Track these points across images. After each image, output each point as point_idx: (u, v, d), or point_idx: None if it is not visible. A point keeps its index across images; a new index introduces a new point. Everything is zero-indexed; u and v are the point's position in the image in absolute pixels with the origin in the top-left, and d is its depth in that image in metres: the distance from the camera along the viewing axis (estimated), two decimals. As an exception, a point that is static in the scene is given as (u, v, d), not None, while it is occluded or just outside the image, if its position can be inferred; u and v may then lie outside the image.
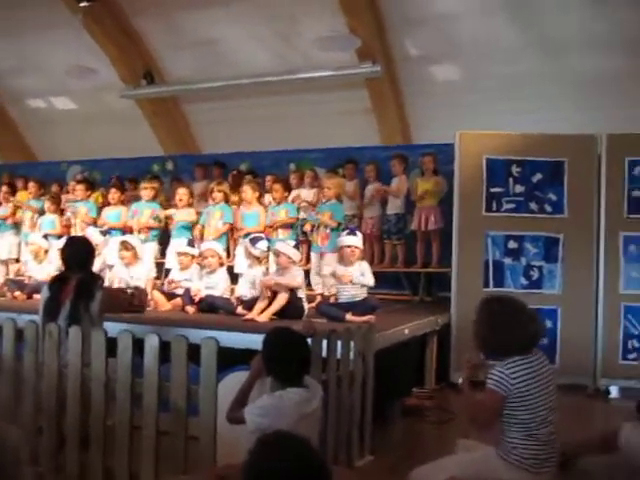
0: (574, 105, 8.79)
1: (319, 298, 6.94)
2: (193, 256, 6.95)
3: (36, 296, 6.77)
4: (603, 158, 6.97)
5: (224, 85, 10.61)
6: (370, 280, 6.05)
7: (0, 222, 9.57)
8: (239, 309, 6.15)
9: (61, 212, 9.45)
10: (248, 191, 8.09)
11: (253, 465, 1.85)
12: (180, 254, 7.06)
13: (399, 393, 5.98)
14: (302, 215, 8.36)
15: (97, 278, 4.79)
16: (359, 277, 5.99)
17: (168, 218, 8.56)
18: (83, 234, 7.90)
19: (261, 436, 1.95)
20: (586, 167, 7.02)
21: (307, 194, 8.88)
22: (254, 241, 6.53)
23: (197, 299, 6.45)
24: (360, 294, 6.04)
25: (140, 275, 6.95)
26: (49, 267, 7.43)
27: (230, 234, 8.38)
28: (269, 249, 6.53)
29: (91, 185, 9.57)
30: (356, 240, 6.17)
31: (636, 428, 3.37)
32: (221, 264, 6.73)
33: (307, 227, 8.11)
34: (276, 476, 1.80)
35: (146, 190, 8.52)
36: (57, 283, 4.68)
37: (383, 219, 8.72)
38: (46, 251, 7.80)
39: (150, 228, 8.26)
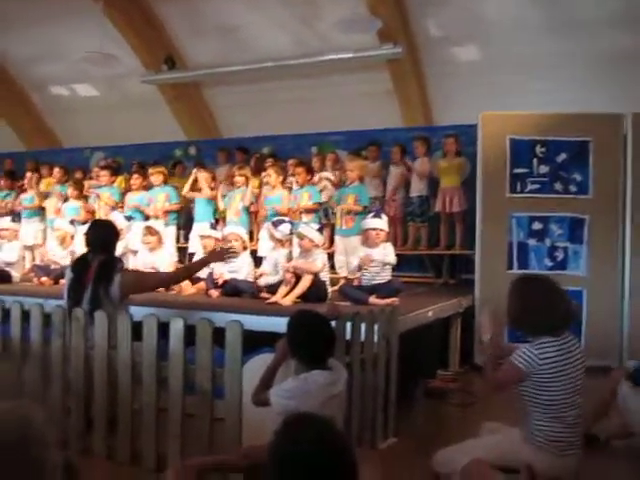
0: (599, 84, 8.66)
1: (343, 281, 6.94)
2: (216, 239, 6.98)
3: (62, 281, 6.84)
4: (629, 137, 6.87)
5: (245, 69, 10.59)
6: (392, 258, 6.04)
7: (26, 209, 9.66)
8: (263, 292, 6.17)
9: (85, 198, 9.53)
10: (272, 174, 8.13)
11: (279, 446, 1.86)
12: (203, 237, 7.10)
13: (423, 375, 5.98)
14: (324, 199, 8.34)
15: (117, 261, 4.78)
16: (381, 254, 5.98)
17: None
18: (107, 218, 7.96)
19: (286, 417, 1.96)
20: (612, 147, 6.92)
21: (329, 176, 8.88)
22: (277, 224, 6.54)
23: (220, 282, 6.48)
24: (384, 276, 6.03)
25: (163, 260, 7.02)
26: (75, 253, 7.51)
27: (254, 217, 8.41)
28: (292, 232, 6.53)
29: (115, 171, 9.65)
30: (381, 223, 6.15)
31: (632, 389, 3.37)
32: (244, 248, 6.75)
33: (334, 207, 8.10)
34: (301, 457, 1.81)
35: (154, 176, 8.58)
36: (80, 265, 4.70)
37: (406, 201, 8.69)
38: (72, 237, 7.87)
39: (167, 212, 8.32)
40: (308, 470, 1.79)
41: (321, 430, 1.88)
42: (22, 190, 10.20)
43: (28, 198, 9.73)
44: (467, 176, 8.13)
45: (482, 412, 4.70)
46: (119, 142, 12.01)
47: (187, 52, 11.25)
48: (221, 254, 5.20)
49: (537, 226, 6.99)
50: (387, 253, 6.05)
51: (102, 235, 4.78)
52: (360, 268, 6.08)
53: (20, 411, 1.97)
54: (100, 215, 8.76)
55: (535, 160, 7.01)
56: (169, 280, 5.18)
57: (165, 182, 8.67)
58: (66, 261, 7.34)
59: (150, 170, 8.83)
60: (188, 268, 4.99)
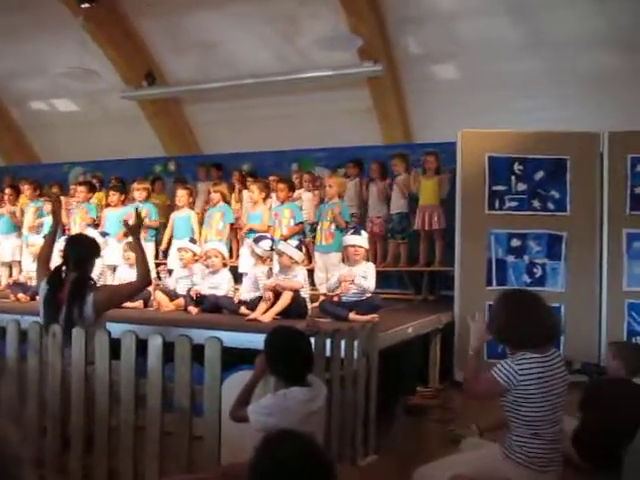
0: (576, 103, 8.78)
1: (322, 297, 6.94)
2: (194, 253, 6.94)
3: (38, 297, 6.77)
4: (605, 156, 6.96)
5: (225, 86, 10.62)
6: (371, 284, 6.01)
7: (3, 225, 9.56)
8: (242, 309, 6.15)
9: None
10: (255, 191, 8.10)
11: (259, 462, 1.85)
12: (180, 249, 7.07)
13: (403, 392, 5.98)
14: (305, 217, 8.35)
15: (89, 279, 4.61)
16: (360, 279, 5.97)
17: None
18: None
19: (267, 434, 1.96)
20: (588, 165, 7.01)
21: (307, 196, 8.88)
22: (257, 240, 6.53)
23: (196, 296, 6.44)
24: (363, 293, 6.03)
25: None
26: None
27: (234, 234, 8.39)
28: (272, 249, 6.53)
29: (93, 187, 9.58)
30: (361, 240, 6.15)
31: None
32: (224, 264, 6.73)
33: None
34: (282, 472, 1.80)
35: (138, 191, 8.56)
36: (54, 280, 4.57)
37: (387, 218, 8.72)
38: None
39: (147, 228, 8.28)
40: None
41: (302, 446, 1.88)
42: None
43: (5, 215, 9.63)
44: (447, 193, 8.17)
45: (462, 428, 4.69)
46: (98, 157, 11.96)
47: (167, 68, 11.26)
48: (136, 226, 5.02)
49: (516, 243, 7.04)
50: (367, 277, 6.02)
51: (78, 251, 4.67)
52: (339, 284, 6.06)
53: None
54: (75, 231, 8.66)
55: (513, 177, 7.07)
56: (138, 287, 4.97)
57: (147, 199, 8.64)
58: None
59: (135, 185, 8.78)
60: (139, 262, 4.76)
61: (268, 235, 6.89)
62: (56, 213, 5.32)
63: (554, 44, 8.78)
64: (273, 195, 8.58)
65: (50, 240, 4.99)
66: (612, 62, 8.53)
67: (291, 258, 6.07)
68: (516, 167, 7.07)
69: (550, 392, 3.12)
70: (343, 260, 6.82)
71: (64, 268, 4.59)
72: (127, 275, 6.97)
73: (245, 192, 9.18)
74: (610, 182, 6.91)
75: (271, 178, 9.15)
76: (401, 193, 8.57)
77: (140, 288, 4.89)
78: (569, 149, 7.03)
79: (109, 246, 8.09)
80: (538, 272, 7.00)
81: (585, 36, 8.49)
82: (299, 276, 6.06)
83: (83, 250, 4.69)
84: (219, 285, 6.49)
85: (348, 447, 4.40)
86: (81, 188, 9.18)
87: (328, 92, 10.20)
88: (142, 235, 7.89)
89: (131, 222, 5.48)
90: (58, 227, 5.12)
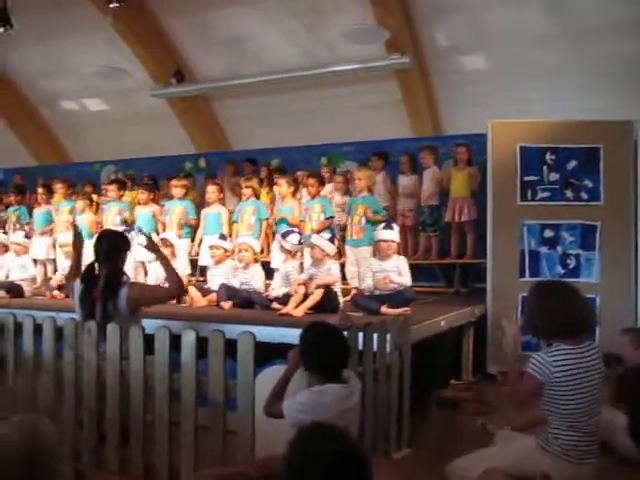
0: (608, 91, 8.64)
1: (354, 291, 6.93)
2: (226, 250, 6.97)
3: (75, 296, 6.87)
4: (640, 143, 6.86)
5: (253, 82, 10.66)
6: (407, 280, 5.99)
7: (38, 223, 9.69)
8: (274, 304, 6.16)
9: (96, 212, 9.57)
10: (283, 185, 8.10)
11: (294, 455, 1.85)
12: (212, 247, 7.10)
13: (436, 385, 5.95)
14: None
15: (122, 274, 4.66)
16: (396, 278, 5.93)
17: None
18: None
19: (301, 428, 1.95)
20: (622, 153, 6.88)
21: (339, 200, 8.76)
22: (285, 235, 6.54)
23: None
24: (396, 286, 6.00)
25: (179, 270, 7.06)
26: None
27: (265, 229, 8.40)
28: (301, 243, 6.53)
29: (123, 185, 9.66)
30: (392, 234, 6.11)
31: None
32: (255, 259, 6.75)
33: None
34: (317, 465, 1.80)
35: (177, 188, 8.60)
36: (88, 277, 4.64)
37: (418, 211, 8.67)
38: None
39: (185, 225, 8.35)
40: None
41: (337, 438, 1.88)
42: (34, 205, 10.25)
43: (42, 214, 9.75)
44: (478, 185, 8.10)
45: (495, 421, 4.66)
46: (129, 156, 12.08)
47: (196, 65, 11.33)
48: (152, 243, 5.05)
49: (549, 233, 6.95)
50: (402, 272, 5.98)
51: (107, 246, 4.70)
52: (375, 288, 6.04)
53: (31, 424, 1.98)
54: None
55: (545, 168, 6.98)
56: (172, 293, 4.98)
57: (185, 196, 8.70)
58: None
59: (174, 182, 8.83)
60: (169, 273, 4.80)
61: (296, 229, 6.88)
62: (77, 246, 5.20)
63: (584, 32, 8.65)
64: (303, 190, 8.58)
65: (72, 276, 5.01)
66: (645, 48, 8.39)
67: (323, 251, 6.07)
68: (548, 157, 6.98)
69: (585, 384, 3.09)
70: (374, 254, 6.80)
71: (96, 265, 4.65)
72: (159, 270, 7.05)
73: (275, 187, 9.19)
74: (644, 170, 6.80)
75: (299, 173, 9.15)
76: (432, 185, 8.52)
77: (172, 296, 4.87)
78: (602, 138, 6.92)
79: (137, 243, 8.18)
80: (572, 263, 6.91)
81: (616, 23, 8.34)
82: (333, 269, 6.06)
83: (112, 244, 4.73)
84: (251, 280, 6.50)
85: (381, 441, 4.39)
86: (112, 187, 9.25)
87: (356, 86, 10.18)
88: (177, 232, 8.01)
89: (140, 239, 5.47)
90: (79, 264, 5.06)
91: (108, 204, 9.17)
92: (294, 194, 8.29)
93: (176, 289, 4.79)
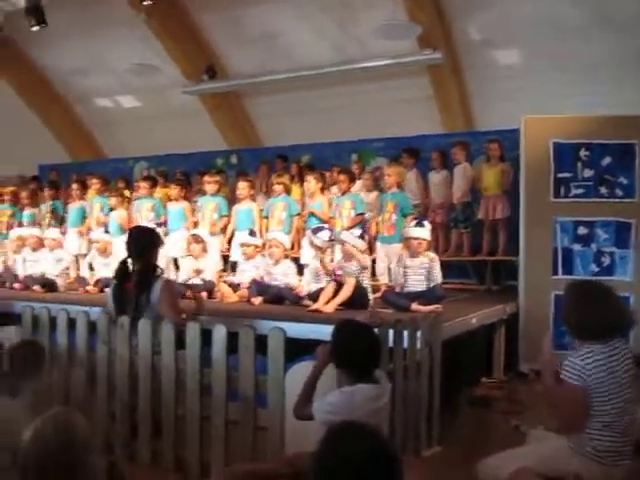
0: (643, 85, 8.50)
1: (384, 288, 6.91)
2: (256, 246, 7.00)
3: (107, 290, 6.95)
4: (675, 139, 6.72)
5: (285, 78, 10.67)
6: (438, 278, 5.97)
7: (72, 219, 9.80)
8: (305, 300, 6.17)
9: (128, 208, 9.67)
10: (312, 181, 8.11)
11: (325, 452, 1.85)
12: (243, 245, 7.14)
13: (467, 383, 5.91)
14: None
15: (155, 268, 4.70)
16: (428, 278, 5.95)
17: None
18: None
19: (331, 426, 1.95)
20: (658, 149, 6.78)
21: (365, 196, 8.73)
22: (316, 231, 6.54)
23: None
24: (428, 284, 5.97)
25: (208, 268, 7.10)
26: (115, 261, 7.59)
27: (295, 225, 8.41)
28: (331, 239, 6.53)
29: (155, 182, 9.73)
30: (423, 232, 6.07)
31: None
32: (286, 255, 6.76)
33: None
34: (348, 464, 1.79)
35: (210, 184, 8.64)
36: (121, 273, 4.71)
37: (450, 207, 8.63)
38: (111, 244, 7.96)
39: (215, 223, 8.39)
40: (355, 479, 1.78)
41: (368, 436, 1.87)
42: (68, 201, 10.37)
43: (76, 209, 9.86)
44: (511, 181, 8.03)
45: (528, 420, 4.62)
46: (162, 152, 12.19)
47: (227, 61, 11.38)
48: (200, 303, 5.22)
49: (582, 231, 6.86)
50: (433, 270, 5.98)
51: (140, 242, 4.76)
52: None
53: (63, 417, 2.01)
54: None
55: (579, 164, 6.88)
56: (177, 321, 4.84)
57: (218, 192, 8.74)
58: (107, 270, 7.43)
59: (206, 178, 8.87)
60: (191, 313, 4.89)
61: (326, 225, 6.88)
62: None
63: (618, 24, 8.50)
64: (334, 187, 8.57)
65: None
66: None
67: (354, 247, 6.06)
68: (582, 153, 6.88)
69: (618, 382, 3.05)
70: (405, 251, 6.77)
71: (129, 261, 4.70)
72: (192, 265, 7.12)
73: (304, 184, 9.22)
74: (680, 166, 6.67)
75: (328, 172, 9.12)
76: (464, 182, 8.46)
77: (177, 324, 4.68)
78: (637, 133, 6.79)
79: (171, 239, 8.24)
80: (606, 261, 6.80)
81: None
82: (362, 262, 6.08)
83: (144, 240, 4.79)
84: (282, 276, 6.52)
85: (412, 438, 4.38)
86: (144, 184, 9.31)
87: (387, 81, 10.14)
88: (210, 229, 8.05)
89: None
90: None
91: (140, 200, 9.24)
92: (322, 190, 8.28)
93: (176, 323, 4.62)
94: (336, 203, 7.95)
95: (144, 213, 8.95)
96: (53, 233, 8.26)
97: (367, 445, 1.82)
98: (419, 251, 6.02)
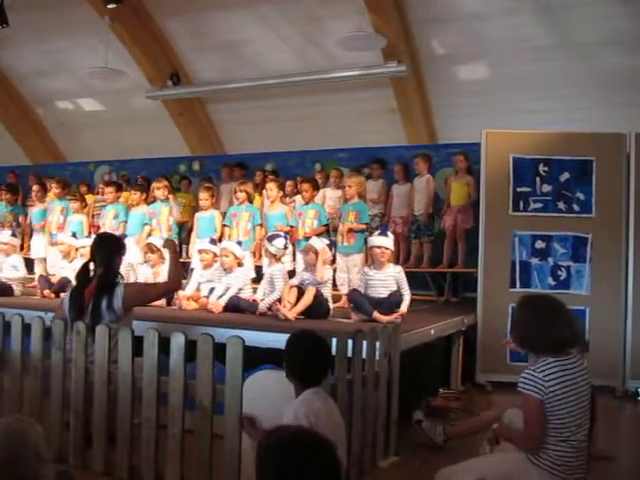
0: (601, 103, 8.70)
1: (344, 298, 6.92)
2: (215, 254, 6.94)
3: (63, 295, 6.85)
4: (632, 156, 6.88)
5: (249, 86, 10.67)
6: (406, 291, 5.96)
7: (36, 222, 9.64)
8: (261, 307, 6.15)
9: (87, 213, 9.56)
10: (274, 189, 8.06)
11: (264, 461, 1.86)
12: (201, 251, 7.07)
13: (425, 393, 5.94)
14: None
15: (116, 274, 4.72)
16: (405, 298, 5.93)
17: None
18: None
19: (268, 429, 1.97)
20: (614, 166, 6.93)
21: (332, 193, 8.89)
22: (271, 238, 6.54)
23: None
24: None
25: (165, 274, 7.02)
26: (79, 265, 7.50)
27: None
28: (286, 247, 6.53)
29: (120, 187, 9.60)
30: (387, 241, 6.06)
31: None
32: (238, 264, 6.71)
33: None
34: (286, 474, 1.80)
35: (159, 190, 8.52)
36: (82, 276, 4.72)
37: (410, 219, 8.69)
38: (76, 249, 7.85)
39: (171, 227, 8.30)
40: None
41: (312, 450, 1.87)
42: (29, 204, 10.22)
43: (38, 212, 9.70)
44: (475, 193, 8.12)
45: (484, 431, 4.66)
46: (124, 157, 12.07)
47: (192, 68, 11.33)
48: (172, 243, 5.11)
49: (540, 245, 6.97)
50: (400, 283, 5.95)
51: (104, 248, 4.77)
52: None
53: (15, 426, 1.97)
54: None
55: (538, 179, 7.01)
56: (168, 289, 5.16)
57: (168, 197, 8.64)
58: (67, 272, 7.34)
59: (155, 184, 8.75)
60: (172, 267, 4.87)
61: (282, 233, 6.88)
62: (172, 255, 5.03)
63: (579, 44, 8.70)
64: (298, 196, 8.58)
65: None
66: (636, 63, 8.44)
67: (317, 255, 6.05)
68: (541, 168, 7.01)
69: (575, 395, 3.08)
70: (366, 261, 6.78)
71: (91, 265, 4.67)
72: (147, 274, 7.05)
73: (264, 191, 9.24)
74: (637, 183, 6.83)
75: (297, 179, 9.14)
76: (426, 193, 8.54)
77: (169, 290, 4.90)
78: (595, 150, 6.95)
79: (129, 244, 8.15)
80: (563, 275, 6.93)
81: (610, 36, 8.41)
82: (326, 274, 6.08)
83: (109, 247, 4.79)
84: (231, 284, 6.50)
85: (369, 448, 4.38)
86: (109, 189, 9.16)
87: (352, 92, 10.19)
88: (167, 234, 7.97)
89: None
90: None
91: (105, 209, 9.12)
92: (282, 199, 8.29)
93: (172, 284, 4.82)
94: (299, 211, 7.93)
95: (107, 222, 8.82)
96: (4, 237, 8.06)
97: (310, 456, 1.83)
98: (381, 260, 6.02)
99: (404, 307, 5.88)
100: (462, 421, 4.42)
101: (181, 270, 4.84)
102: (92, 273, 4.74)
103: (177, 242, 6.25)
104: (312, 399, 3.15)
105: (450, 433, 4.54)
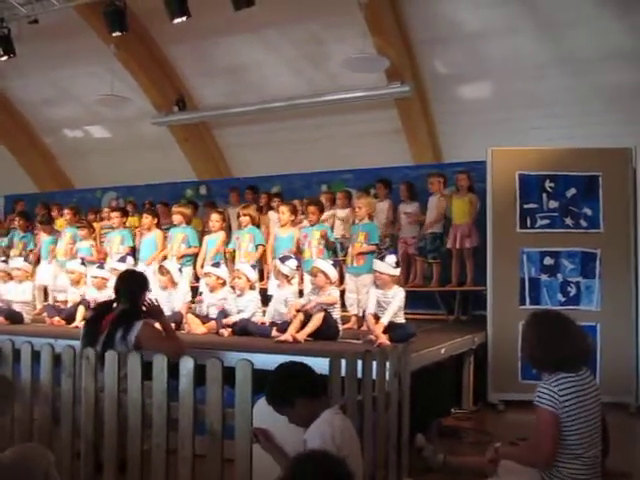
0: (606, 119, 8.71)
1: (354, 319, 6.90)
2: (218, 277, 6.93)
3: (76, 324, 6.89)
4: (638, 171, 6.88)
5: (254, 109, 10.74)
6: (394, 307, 5.91)
7: (45, 250, 9.67)
8: (273, 332, 6.14)
9: (95, 239, 9.59)
10: (285, 213, 8.03)
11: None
12: (205, 274, 7.09)
13: (436, 414, 5.90)
14: (337, 235, 8.40)
15: (140, 311, 4.73)
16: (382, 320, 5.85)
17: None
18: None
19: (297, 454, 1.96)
20: (621, 181, 6.91)
21: (341, 213, 8.93)
22: (284, 260, 6.54)
23: (229, 323, 6.47)
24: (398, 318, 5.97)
25: (176, 299, 7.01)
26: (88, 291, 7.53)
27: (263, 256, 8.36)
28: (298, 268, 6.52)
29: (126, 212, 9.66)
30: (383, 266, 6.01)
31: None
32: (251, 286, 6.72)
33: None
34: None
35: (176, 215, 8.55)
36: (102, 309, 4.74)
37: (419, 238, 8.70)
38: (85, 275, 7.88)
39: (183, 256, 8.28)
40: None
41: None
42: (35, 232, 10.26)
43: (48, 240, 9.74)
44: (477, 212, 8.13)
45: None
46: (131, 183, 12.13)
47: (197, 93, 11.43)
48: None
49: (548, 261, 6.95)
50: (393, 300, 5.93)
51: (130, 285, 4.79)
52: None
53: (27, 453, 1.97)
54: (112, 257, 8.70)
55: (545, 195, 7.00)
56: (174, 354, 4.77)
57: (189, 223, 8.64)
58: (76, 298, 7.38)
59: (174, 208, 8.78)
60: (170, 338, 4.82)
61: (292, 255, 6.89)
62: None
63: (582, 61, 8.75)
64: (301, 216, 8.60)
65: None
66: (640, 77, 8.48)
67: (327, 277, 6.04)
68: (547, 184, 7.01)
69: (586, 412, 3.06)
70: (374, 283, 6.76)
71: (114, 301, 4.73)
72: (159, 297, 7.05)
73: (271, 213, 9.23)
74: (644, 197, 6.82)
75: (304, 200, 9.15)
76: (436, 212, 8.54)
77: (173, 356, 4.69)
78: (601, 165, 6.95)
79: (140, 269, 8.17)
80: (572, 291, 6.90)
81: (612, 51, 8.44)
82: (333, 294, 6.06)
83: (134, 284, 4.82)
84: (245, 308, 6.50)
85: (381, 469, 4.34)
86: (115, 214, 9.23)
87: (356, 114, 10.26)
88: (177, 262, 7.95)
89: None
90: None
91: (110, 235, 9.16)
92: (294, 222, 8.29)
93: (176, 353, 4.58)
94: (304, 234, 7.92)
95: (114, 247, 8.86)
96: (18, 263, 8.11)
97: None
98: (377, 284, 6.02)
99: (378, 328, 5.73)
100: (463, 457, 4.37)
101: (176, 337, 4.85)
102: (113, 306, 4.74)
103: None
104: (333, 419, 3.14)
105: (450, 464, 4.46)
